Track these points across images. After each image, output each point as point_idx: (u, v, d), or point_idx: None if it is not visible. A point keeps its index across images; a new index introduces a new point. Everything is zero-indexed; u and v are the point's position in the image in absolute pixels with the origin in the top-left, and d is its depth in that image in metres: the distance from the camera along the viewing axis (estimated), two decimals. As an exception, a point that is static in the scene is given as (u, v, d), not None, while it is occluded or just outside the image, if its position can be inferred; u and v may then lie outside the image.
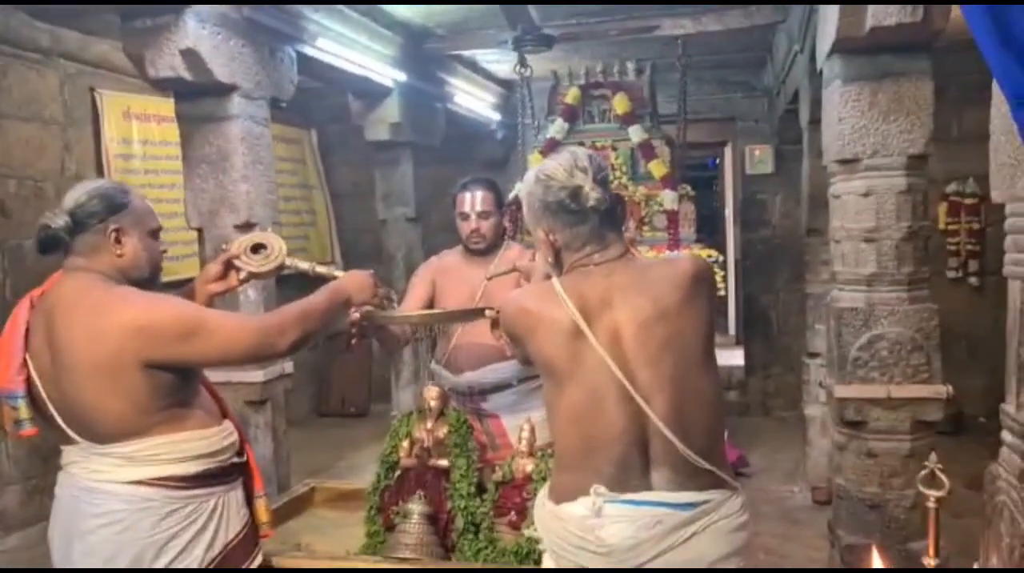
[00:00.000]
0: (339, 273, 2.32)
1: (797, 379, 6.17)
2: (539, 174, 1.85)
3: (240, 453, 2.17)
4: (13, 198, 4.89)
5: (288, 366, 4.01)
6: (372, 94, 5.47)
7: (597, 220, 1.82)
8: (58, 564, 2.05)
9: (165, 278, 5.49)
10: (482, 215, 3.00)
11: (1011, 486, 1.76)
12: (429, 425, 2.60)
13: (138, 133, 5.79)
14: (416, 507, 2.44)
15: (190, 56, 3.49)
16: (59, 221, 2.00)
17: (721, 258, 4.97)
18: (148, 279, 2.11)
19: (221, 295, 2.37)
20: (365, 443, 6.64)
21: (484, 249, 3.04)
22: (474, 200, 3.00)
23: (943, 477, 1.88)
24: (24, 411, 2.00)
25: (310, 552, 2.52)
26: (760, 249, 7.23)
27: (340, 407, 7.84)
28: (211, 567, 2.02)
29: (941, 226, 6.42)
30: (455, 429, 2.56)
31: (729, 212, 8.77)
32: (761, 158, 7.01)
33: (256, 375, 3.78)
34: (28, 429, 2.01)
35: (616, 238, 1.87)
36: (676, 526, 1.70)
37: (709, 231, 11.10)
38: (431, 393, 2.63)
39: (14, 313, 2.05)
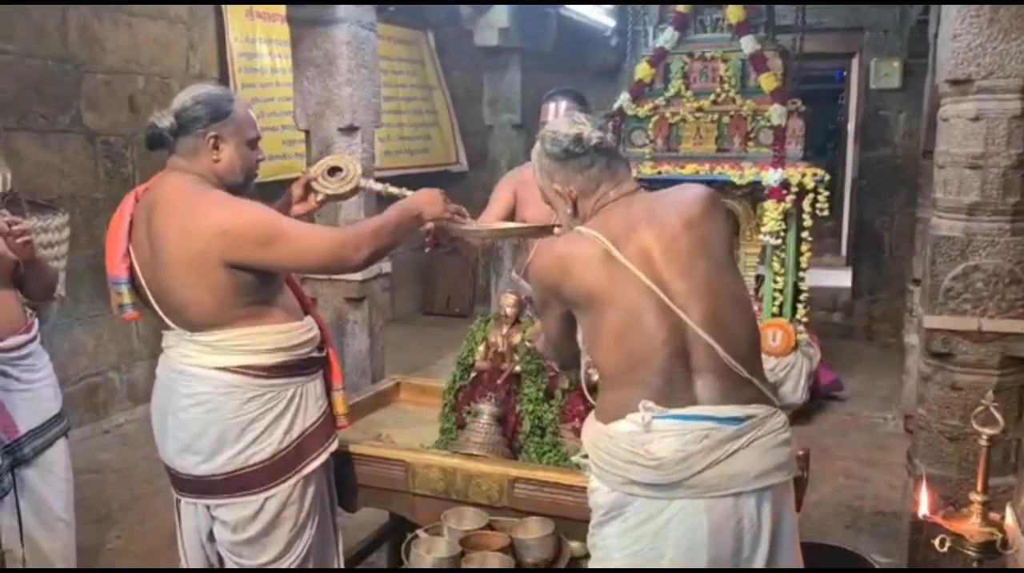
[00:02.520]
0: (409, 193, 2.41)
1: (904, 305, 6.00)
2: (542, 135, 1.98)
3: (320, 348, 2.34)
4: (141, 94, 5.18)
5: (386, 266, 4.19)
6: (481, -1, 5.46)
7: (605, 160, 1.92)
8: (157, 435, 2.29)
9: (280, 177, 5.77)
10: None
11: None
12: (504, 331, 2.70)
13: (261, 32, 5.96)
14: (486, 408, 2.56)
15: (297, -43, 3.58)
16: (165, 122, 2.15)
17: (827, 177, 4.80)
18: (242, 185, 2.24)
19: (304, 215, 2.48)
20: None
21: None
22: (557, 110, 3.01)
23: (998, 415, 1.86)
24: (127, 296, 2.21)
25: (389, 442, 2.71)
26: (878, 169, 6.94)
27: (444, 307, 8.10)
28: (289, 451, 2.21)
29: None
30: (528, 337, 2.65)
31: (852, 127, 8.40)
32: (887, 72, 6.65)
33: (355, 274, 3.96)
34: (130, 313, 2.23)
35: (627, 174, 1.98)
36: (723, 440, 1.75)
37: (832, 147, 10.70)
38: (508, 300, 2.73)
39: (121, 206, 2.24)
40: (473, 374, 2.73)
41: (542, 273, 1.94)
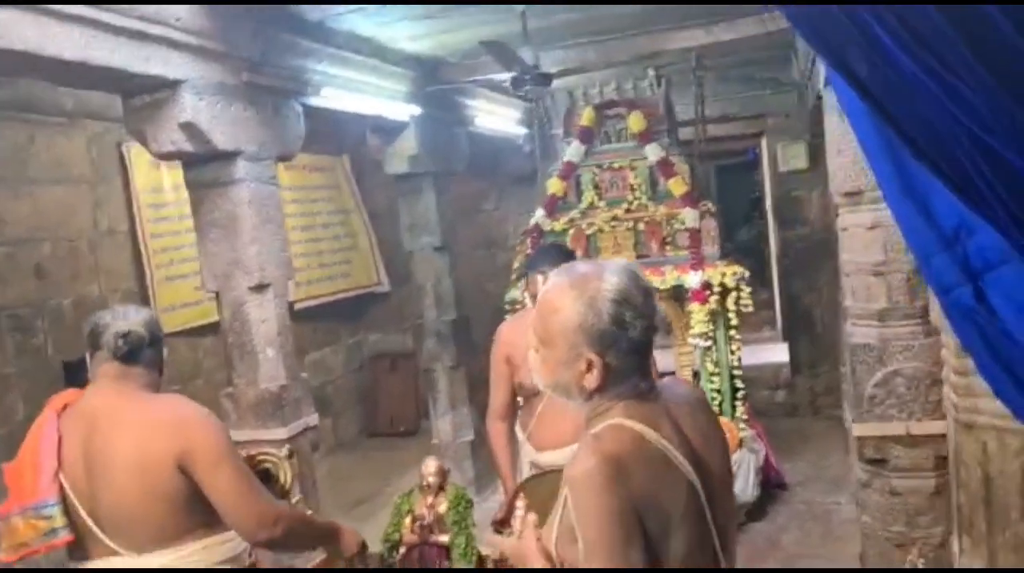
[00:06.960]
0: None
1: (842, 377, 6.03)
2: (607, 293, 1.48)
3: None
4: (49, 259, 5.04)
5: (312, 419, 4.06)
6: (388, 129, 5.48)
7: (646, 350, 1.55)
8: None
9: (193, 324, 5.60)
10: None
11: None
12: (429, 501, 2.62)
13: (169, 179, 5.87)
14: (413, 594, 2.46)
15: (189, 129, 3.54)
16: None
17: (747, 274, 4.84)
18: None
19: None
20: (411, 467, 6.68)
21: None
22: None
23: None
24: (59, 519, 2.06)
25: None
26: (799, 247, 7.07)
27: (389, 426, 7.92)
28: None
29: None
30: (454, 505, 2.57)
31: (769, 205, 8.58)
32: (794, 155, 6.84)
33: (280, 432, 3.82)
34: (65, 536, 2.07)
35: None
36: None
37: (757, 215, 10.89)
38: (429, 468, 2.65)
39: (38, 423, 2.13)
40: (402, 550, 2.62)
41: (606, 481, 1.40)
